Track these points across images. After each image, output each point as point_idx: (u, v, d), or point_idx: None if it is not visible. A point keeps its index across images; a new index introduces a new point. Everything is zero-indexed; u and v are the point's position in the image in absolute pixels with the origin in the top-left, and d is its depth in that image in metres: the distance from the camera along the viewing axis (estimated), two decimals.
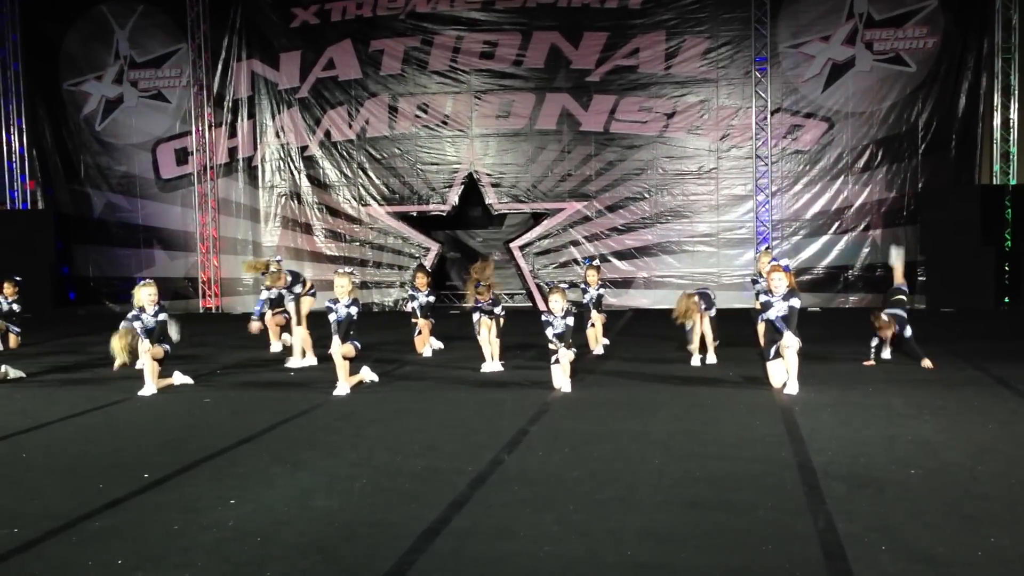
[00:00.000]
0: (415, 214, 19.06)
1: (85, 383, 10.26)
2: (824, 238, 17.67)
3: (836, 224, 17.60)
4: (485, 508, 5.39)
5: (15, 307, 13.45)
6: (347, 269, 9.65)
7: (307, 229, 19.38)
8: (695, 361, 10.60)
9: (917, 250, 16.88)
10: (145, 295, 9.64)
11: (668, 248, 18.14)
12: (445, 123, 18.72)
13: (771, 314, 8.92)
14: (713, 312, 10.91)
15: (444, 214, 18.98)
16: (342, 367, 9.26)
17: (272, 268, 12.10)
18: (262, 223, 19.59)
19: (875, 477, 5.79)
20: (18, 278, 13.69)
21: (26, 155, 20.18)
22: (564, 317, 9.29)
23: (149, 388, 9.37)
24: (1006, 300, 16.36)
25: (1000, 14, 16.72)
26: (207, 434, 7.58)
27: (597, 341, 11.90)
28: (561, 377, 9.18)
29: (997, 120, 16.95)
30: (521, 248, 18.65)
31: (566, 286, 10.07)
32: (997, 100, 16.92)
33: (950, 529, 4.83)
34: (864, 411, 7.83)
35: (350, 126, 19.04)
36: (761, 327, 9.47)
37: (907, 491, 5.50)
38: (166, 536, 5.01)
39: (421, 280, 12.24)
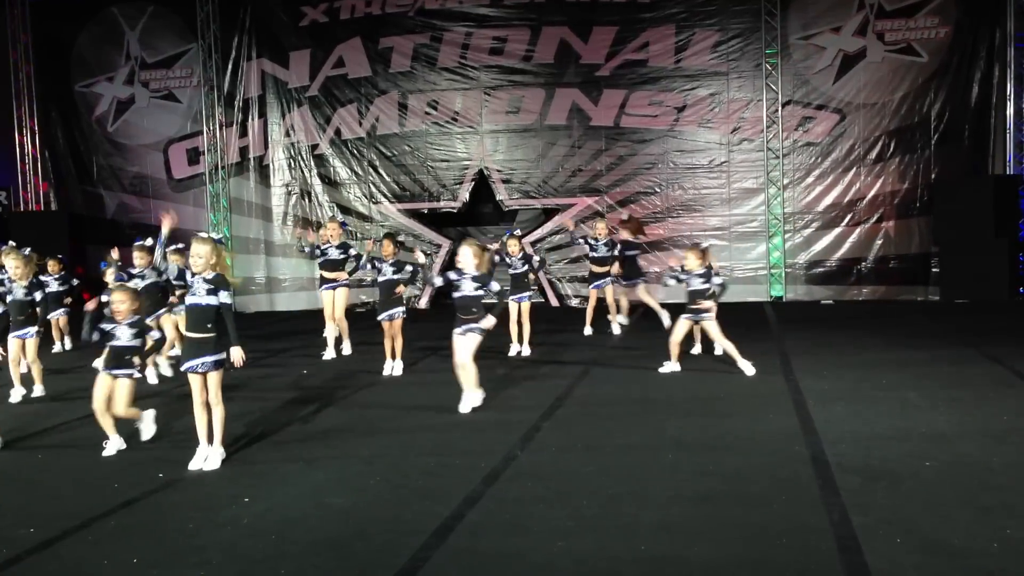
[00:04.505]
0: (426, 211, 19.04)
1: None
2: (837, 230, 17.53)
3: (849, 216, 17.46)
4: (498, 504, 5.40)
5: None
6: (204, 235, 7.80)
7: (318, 227, 19.37)
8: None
9: (931, 241, 16.78)
10: (10, 264, 8.47)
11: (680, 242, 18.01)
12: (455, 120, 18.69)
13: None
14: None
15: (455, 211, 18.97)
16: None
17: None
18: (274, 222, 19.63)
19: (889, 469, 5.77)
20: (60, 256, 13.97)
21: (39, 157, 20.27)
22: (712, 275, 9.63)
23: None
24: (1020, 291, 16.24)
25: (1012, 3, 16.55)
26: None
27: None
28: (720, 339, 9.59)
29: (1010, 110, 16.79)
30: (533, 244, 18.62)
31: (705, 245, 10.15)
32: (1010, 89, 16.75)
33: (965, 520, 4.80)
34: (878, 403, 7.80)
35: (360, 124, 19.03)
36: None
37: (922, 483, 5.48)
38: (181, 535, 5.04)
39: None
